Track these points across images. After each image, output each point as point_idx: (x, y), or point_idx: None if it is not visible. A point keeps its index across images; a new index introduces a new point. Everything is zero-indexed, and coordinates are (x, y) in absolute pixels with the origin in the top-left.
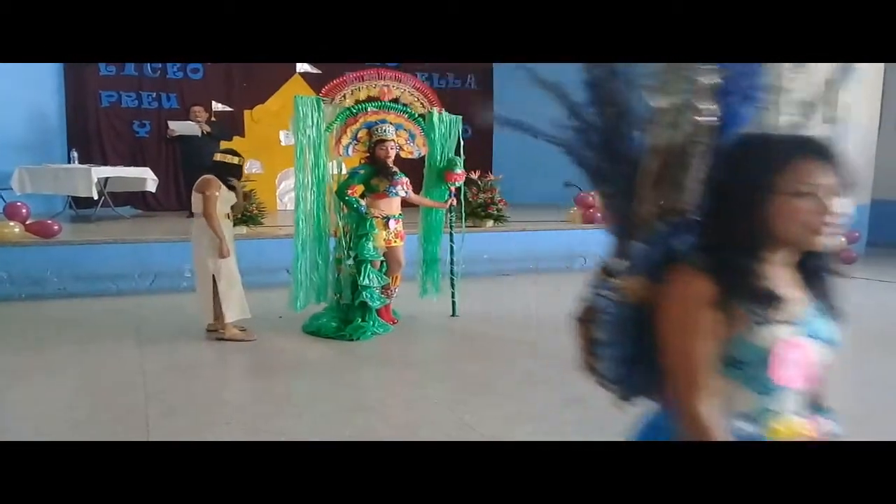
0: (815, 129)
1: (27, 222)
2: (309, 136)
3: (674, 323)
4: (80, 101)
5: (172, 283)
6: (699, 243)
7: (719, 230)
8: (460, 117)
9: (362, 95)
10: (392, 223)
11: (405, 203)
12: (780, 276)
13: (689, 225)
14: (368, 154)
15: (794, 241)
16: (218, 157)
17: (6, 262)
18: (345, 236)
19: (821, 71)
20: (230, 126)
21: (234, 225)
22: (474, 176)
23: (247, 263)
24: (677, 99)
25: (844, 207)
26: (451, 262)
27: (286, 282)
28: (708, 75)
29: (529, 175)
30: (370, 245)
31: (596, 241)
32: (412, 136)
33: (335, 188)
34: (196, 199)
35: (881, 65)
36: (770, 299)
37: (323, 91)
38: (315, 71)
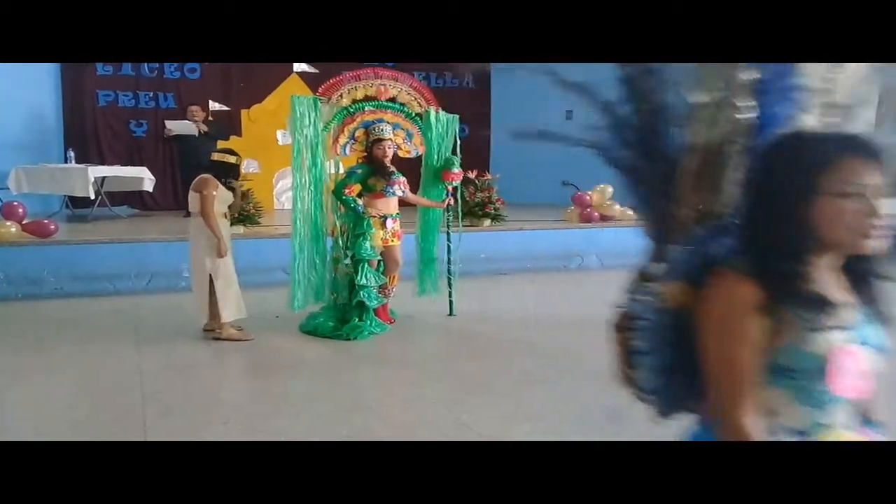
0: (856, 129)
1: (24, 222)
2: (306, 135)
3: (717, 329)
4: (77, 100)
5: (169, 283)
6: (740, 247)
7: (761, 233)
8: (457, 116)
9: (359, 95)
10: (389, 222)
11: (402, 202)
12: (828, 280)
13: (727, 228)
14: (366, 153)
15: (840, 243)
16: (215, 156)
17: (3, 261)
18: (342, 236)
19: (858, 72)
20: (227, 125)
21: (231, 224)
22: (471, 175)
23: (244, 263)
24: (716, 95)
25: (892, 208)
26: (449, 262)
27: (283, 281)
28: (746, 72)
29: (527, 174)
30: (367, 244)
31: (593, 240)
32: (409, 136)
33: (332, 187)
34: (193, 199)
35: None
36: (822, 304)
37: (320, 90)
38: (312, 70)
